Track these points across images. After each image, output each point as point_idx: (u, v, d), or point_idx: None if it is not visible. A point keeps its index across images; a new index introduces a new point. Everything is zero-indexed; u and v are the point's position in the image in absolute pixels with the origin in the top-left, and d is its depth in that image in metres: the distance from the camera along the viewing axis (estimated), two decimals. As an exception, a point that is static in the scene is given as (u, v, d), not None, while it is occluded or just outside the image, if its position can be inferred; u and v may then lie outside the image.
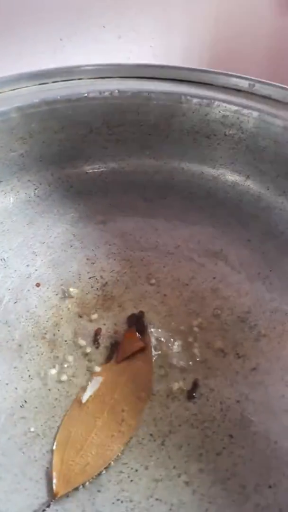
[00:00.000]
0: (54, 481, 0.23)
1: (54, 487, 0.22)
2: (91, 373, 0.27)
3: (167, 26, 0.59)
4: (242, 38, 0.61)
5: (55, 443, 0.24)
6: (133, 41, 0.58)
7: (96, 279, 0.33)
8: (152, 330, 0.30)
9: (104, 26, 0.55)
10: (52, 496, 0.22)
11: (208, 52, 0.63)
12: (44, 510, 0.22)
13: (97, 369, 0.28)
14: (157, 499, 0.22)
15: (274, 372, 0.28)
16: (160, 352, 0.29)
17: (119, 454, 0.24)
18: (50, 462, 0.23)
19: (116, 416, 0.25)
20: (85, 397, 0.26)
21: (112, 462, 0.23)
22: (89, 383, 0.27)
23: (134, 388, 0.26)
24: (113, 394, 0.26)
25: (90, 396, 0.26)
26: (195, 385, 0.27)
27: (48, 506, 0.22)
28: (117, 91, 0.36)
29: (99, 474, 0.23)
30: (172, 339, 0.29)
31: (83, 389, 0.27)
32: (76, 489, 0.23)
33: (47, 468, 0.23)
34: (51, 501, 0.22)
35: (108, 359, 0.28)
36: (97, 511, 0.22)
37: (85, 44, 0.55)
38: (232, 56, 0.62)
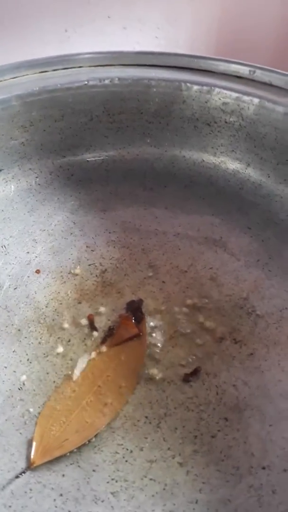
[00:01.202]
0: (33, 451, 0.23)
1: (31, 456, 0.23)
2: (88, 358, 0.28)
3: (172, 17, 0.58)
4: (249, 28, 0.61)
5: (39, 415, 0.25)
6: (139, 32, 0.58)
7: (96, 266, 0.33)
8: (149, 317, 0.30)
9: (109, 17, 0.55)
10: (29, 464, 0.23)
11: (214, 42, 0.62)
12: (17, 476, 0.23)
13: (93, 354, 0.28)
14: (151, 479, 0.23)
15: (271, 358, 0.28)
16: (156, 336, 0.29)
17: (97, 434, 0.24)
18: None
19: (101, 398, 0.26)
20: (74, 375, 0.27)
21: (93, 440, 0.24)
22: (78, 360, 0.27)
23: (123, 373, 0.27)
24: (102, 377, 0.27)
25: (80, 375, 0.27)
26: (195, 371, 0.27)
27: (23, 473, 0.23)
28: (117, 78, 0.36)
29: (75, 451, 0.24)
30: (168, 325, 0.30)
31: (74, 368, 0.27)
32: (72, 469, 0.23)
33: (44, 448, 0.24)
34: (26, 469, 0.23)
35: (103, 343, 0.29)
36: (92, 490, 0.22)
37: (90, 35, 0.55)
38: (239, 47, 0.61)
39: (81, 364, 0.27)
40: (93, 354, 0.28)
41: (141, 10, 0.55)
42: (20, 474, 0.23)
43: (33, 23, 0.51)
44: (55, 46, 0.53)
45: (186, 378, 0.26)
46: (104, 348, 0.28)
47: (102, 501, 0.22)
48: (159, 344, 0.29)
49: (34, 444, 0.24)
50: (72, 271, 0.33)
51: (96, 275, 0.33)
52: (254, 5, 0.59)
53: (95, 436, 0.24)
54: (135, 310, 0.30)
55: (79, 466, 0.23)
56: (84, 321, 0.30)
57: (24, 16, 0.50)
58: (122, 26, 0.56)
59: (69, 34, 0.54)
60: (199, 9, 0.58)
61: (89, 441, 0.24)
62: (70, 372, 0.27)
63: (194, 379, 0.27)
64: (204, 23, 0.60)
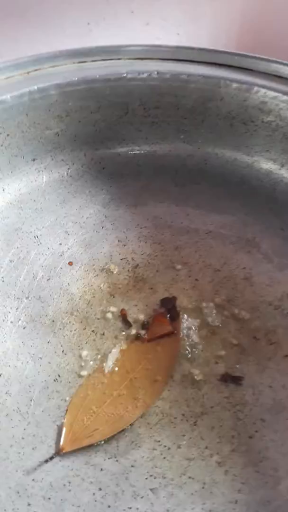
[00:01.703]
0: (62, 437, 0.23)
1: (61, 442, 0.23)
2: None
3: (194, 14, 0.58)
4: (270, 27, 0.60)
5: (70, 403, 0.25)
6: (161, 28, 0.57)
7: (128, 261, 0.33)
8: (185, 315, 0.30)
9: (132, 12, 0.55)
10: (58, 450, 0.23)
11: (235, 39, 0.62)
12: (47, 461, 0.23)
13: (125, 345, 0.28)
14: (190, 477, 0.23)
15: (307, 360, 0.28)
16: (191, 335, 0.29)
17: (133, 429, 0.24)
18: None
19: (133, 391, 0.26)
20: (106, 366, 0.27)
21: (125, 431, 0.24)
22: (110, 352, 0.27)
23: (156, 368, 0.27)
24: (135, 370, 0.27)
25: (113, 367, 0.27)
26: (237, 378, 0.27)
27: (51, 459, 0.23)
28: (156, 72, 0.35)
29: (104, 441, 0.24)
30: (202, 323, 0.29)
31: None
32: (110, 463, 0.23)
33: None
34: (56, 455, 0.23)
35: (137, 338, 0.28)
36: (131, 485, 0.22)
37: (113, 29, 0.54)
38: (261, 44, 0.61)
39: (113, 355, 0.27)
40: (124, 345, 0.28)
41: (163, 6, 0.55)
42: (50, 458, 0.23)
43: (56, 15, 0.50)
44: (77, 39, 0.53)
45: (225, 379, 0.26)
46: (138, 343, 0.28)
47: (142, 497, 0.22)
48: (193, 342, 0.28)
49: (64, 430, 0.24)
50: (104, 265, 0.33)
51: (128, 270, 0.33)
52: (276, 3, 0.58)
53: (132, 431, 0.24)
54: (170, 307, 0.30)
55: (117, 461, 0.23)
56: (117, 315, 0.30)
57: (47, 9, 0.50)
58: (145, 21, 0.56)
59: (91, 27, 0.53)
60: (220, 7, 0.57)
61: (123, 432, 0.24)
62: (104, 364, 0.27)
63: (232, 382, 0.26)
64: (225, 21, 0.59)
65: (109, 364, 0.27)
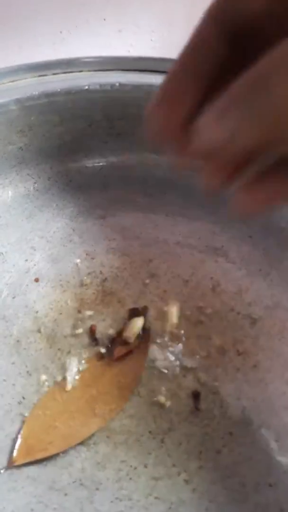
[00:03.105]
0: (16, 449, 0.23)
1: (14, 454, 0.23)
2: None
3: (168, 20, 0.58)
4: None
5: (28, 415, 0.25)
6: (134, 34, 0.57)
7: (96, 274, 0.33)
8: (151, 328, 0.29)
9: (104, 19, 0.55)
10: (10, 462, 0.23)
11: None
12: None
13: (84, 363, 0.28)
14: (156, 498, 0.22)
15: (275, 370, 0.27)
16: (158, 349, 0.28)
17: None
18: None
19: (91, 406, 0.25)
20: (68, 381, 0.26)
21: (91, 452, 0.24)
22: (70, 367, 0.27)
23: (118, 386, 0.27)
24: (96, 386, 0.26)
25: (75, 382, 0.26)
26: (196, 396, 0.26)
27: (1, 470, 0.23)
28: (118, 84, 0.35)
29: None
30: (171, 336, 0.29)
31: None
32: (75, 487, 0.22)
33: (45, 465, 0.23)
34: (7, 467, 0.23)
35: (102, 357, 0.28)
36: (95, 510, 0.22)
37: (85, 37, 0.54)
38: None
39: (73, 370, 0.27)
40: (86, 363, 0.27)
41: (136, 12, 0.55)
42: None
43: (27, 23, 0.50)
44: (49, 47, 0.53)
45: (194, 395, 0.26)
46: (102, 359, 0.28)
47: (107, 521, 0.21)
48: (160, 356, 0.28)
49: (18, 442, 0.24)
50: (71, 280, 0.32)
51: (97, 284, 0.32)
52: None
53: (98, 452, 0.24)
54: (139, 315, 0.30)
55: (81, 484, 0.23)
56: (84, 332, 0.29)
57: (18, 17, 0.49)
58: (117, 28, 0.56)
59: (64, 35, 0.53)
60: (193, 12, 0.58)
61: (89, 453, 0.23)
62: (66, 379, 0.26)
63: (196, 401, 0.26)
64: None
65: (69, 379, 0.26)
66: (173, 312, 0.30)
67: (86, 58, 0.36)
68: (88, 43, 0.54)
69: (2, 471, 0.22)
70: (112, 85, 0.35)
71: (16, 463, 0.23)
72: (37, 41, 0.52)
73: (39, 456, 0.23)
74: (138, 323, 0.28)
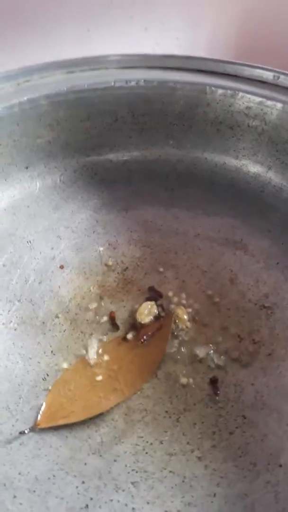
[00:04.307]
0: (41, 413, 0.25)
1: (39, 417, 0.25)
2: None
3: (193, 19, 0.59)
4: (269, 33, 0.61)
5: (54, 383, 0.27)
6: (160, 33, 0.58)
7: (117, 263, 0.34)
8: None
9: (131, 18, 0.56)
10: (35, 425, 0.25)
11: (233, 45, 0.62)
12: (21, 433, 0.24)
13: (105, 338, 0.30)
14: (170, 471, 0.23)
15: (289, 359, 0.28)
16: (178, 335, 0.30)
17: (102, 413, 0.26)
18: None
19: (113, 382, 0.27)
20: (91, 357, 0.28)
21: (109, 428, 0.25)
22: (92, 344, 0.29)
23: (140, 364, 0.28)
24: (119, 364, 0.28)
25: (100, 359, 0.28)
26: (213, 382, 0.27)
27: (23, 433, 0.24)
28: (143, 80, 0.36)
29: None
30: (189, 323, 0.30)
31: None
32: (94, 458, 0.24)
33: (66, 437, 0.25)
34: (30, 429, 0.25)
35: (124, 339, 0.29)
36: (113, 479, 0.23)
37: (112, 35, 0.55)
38: (259, 50, 0.61)
39: (94, 348, 0.28)
40: (107, 343, 0.29)
41: (163, 12, 0.56)
42: (23, 432, 0.24)
43: (56, 23, 0.52)
44: (76, 45, 0.54)
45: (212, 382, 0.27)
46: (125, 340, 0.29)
47: (123, 490, 0.23)
48: (179, 341, 0.29)
49: (43, 406, 0.25)
50: (94, 268, 0.34)
51: (118, 273, 0.34)
52: (275, 10, 0.59)
53: (116, 427, 0.25)
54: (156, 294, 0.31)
55: (100, 456, 0.24)
56: (105, 317, 0.31)
57: (47, 15, 0.51)
58: (144, 27, 0.57)
59: (91, 33, 0.55)
60: (219, 12, 0.58)
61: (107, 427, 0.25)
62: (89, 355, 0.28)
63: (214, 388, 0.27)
64: (224, 27, 0.60)
65: (92, 356, 0.28)
66: (183, 315, 0.31)
67: (113, 56, 0.38)
68: (115, 41, 0.56)
69: (26, 431, 0.24)
70: (138, 82, 0.36)
71: (40, 426, 0.24)
72: (64, 39, 0.53)
73: (61, 422, 0.25)
74: (148, 306, 0.30)
